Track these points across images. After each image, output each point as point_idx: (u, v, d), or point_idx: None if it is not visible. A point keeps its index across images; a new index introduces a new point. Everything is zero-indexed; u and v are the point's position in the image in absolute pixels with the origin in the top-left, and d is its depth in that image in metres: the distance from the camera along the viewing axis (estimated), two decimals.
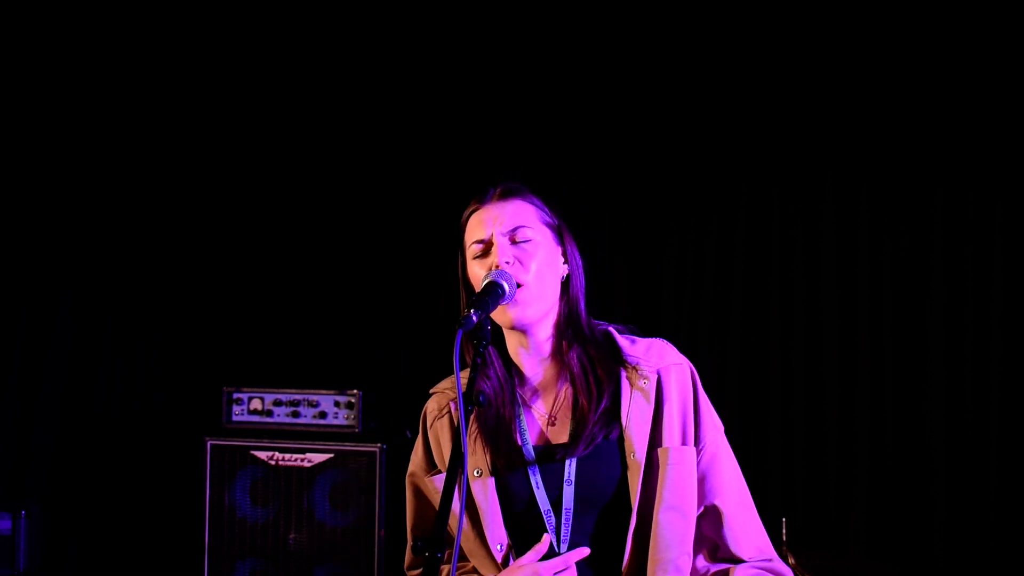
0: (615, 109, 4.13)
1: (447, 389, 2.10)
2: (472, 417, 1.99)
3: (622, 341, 2.03)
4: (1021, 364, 3.61)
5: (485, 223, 2.00)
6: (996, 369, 3.63)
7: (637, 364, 1.99)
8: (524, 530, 1.94)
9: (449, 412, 2.06)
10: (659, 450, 1.93)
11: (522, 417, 2.01)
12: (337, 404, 3.85)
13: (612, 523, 1.92)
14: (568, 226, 2.08)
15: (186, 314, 4.56)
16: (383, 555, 3.70)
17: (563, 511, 1.92)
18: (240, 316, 4.54)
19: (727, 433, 2.04)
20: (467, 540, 1.97)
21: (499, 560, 1.93)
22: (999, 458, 3.61)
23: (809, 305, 3.86)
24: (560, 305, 2.02)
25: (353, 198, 4.47)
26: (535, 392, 2.04)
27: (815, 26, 3.88)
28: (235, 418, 3.94)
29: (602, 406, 1.95)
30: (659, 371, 1.98)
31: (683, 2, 4.06)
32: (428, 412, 2.10)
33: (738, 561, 1.96)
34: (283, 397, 3.91)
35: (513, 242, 1.98)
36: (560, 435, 1.98)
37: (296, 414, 3.89)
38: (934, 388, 3.69)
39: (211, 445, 3.89)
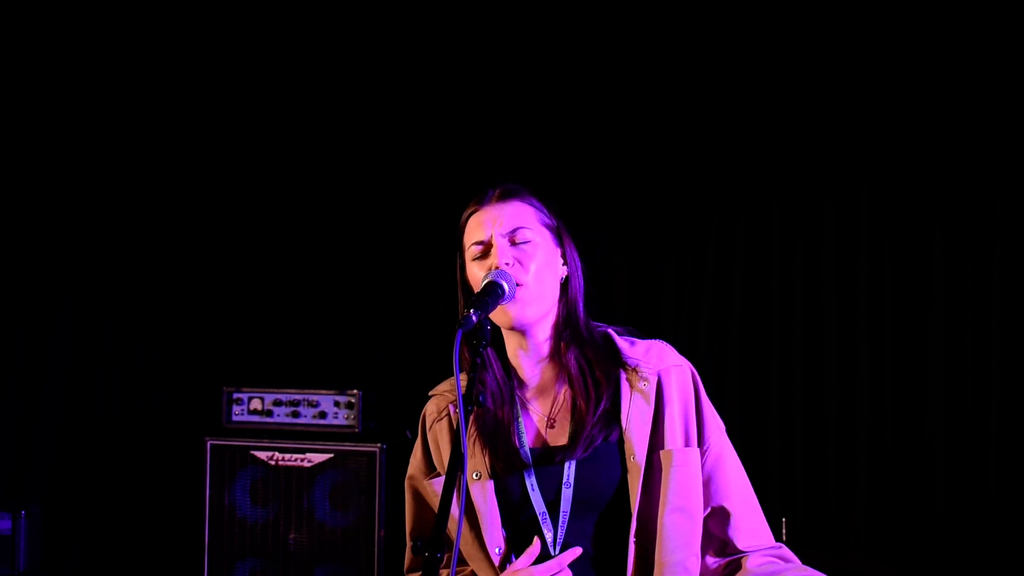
0: (615, 109, 4.13)
1: (446, 392, 2.09)
2: (471, 419, 1.99)
3: (621, 343, 2.03)
4: (1021, 364, 3.61)
5: (484, 225, 1.99)
6: (996, 369, 3.63)
7: (637, 366, 1.98)
8: (521, 534, 1.94)
9: (448, 414, 2.05)
10: (662, 452, 1.93)
11: (520, 419, 2.01)
12: (337, 404, 3.85)
13: (612, 526, 1.92)
14: (568, 226, 2.08)
15: (186, 314, 4.56)
16: (383, 555, 3.70)
17: (560, 514, 1.92)
18: (240, 316, 4.54)
19: (727, 433, 2.04)
20: (465, 543, 1.96)
21: (497, 564, 1.93)
22: (999, 458, 3.61)
23: (809, 305, 3.86)
24: (559, 306, 2.02)
25: (353, 198, 4.47)
26: (534, 394, 2.03)
27: (815, 26, 3.88)
28: (235, 418, 3.94)
29: (600, 408, 1.95)
30: (659, 373, 1.98)
31: (683, 2, 4.05)
32: (427, 415, 2.10)
33: (745, 554, 1.97)
34: (283, 397, 3.91)
35: (512, 243, 1.98)
36: (559, 437, 1.98)
37: (296, 414, 3.89)
38: (934, 388, 3.69)
39: (211, 445, 3.89)
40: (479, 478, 1.96)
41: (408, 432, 3.86)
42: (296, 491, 3.81)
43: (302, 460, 3.80)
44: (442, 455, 2.03)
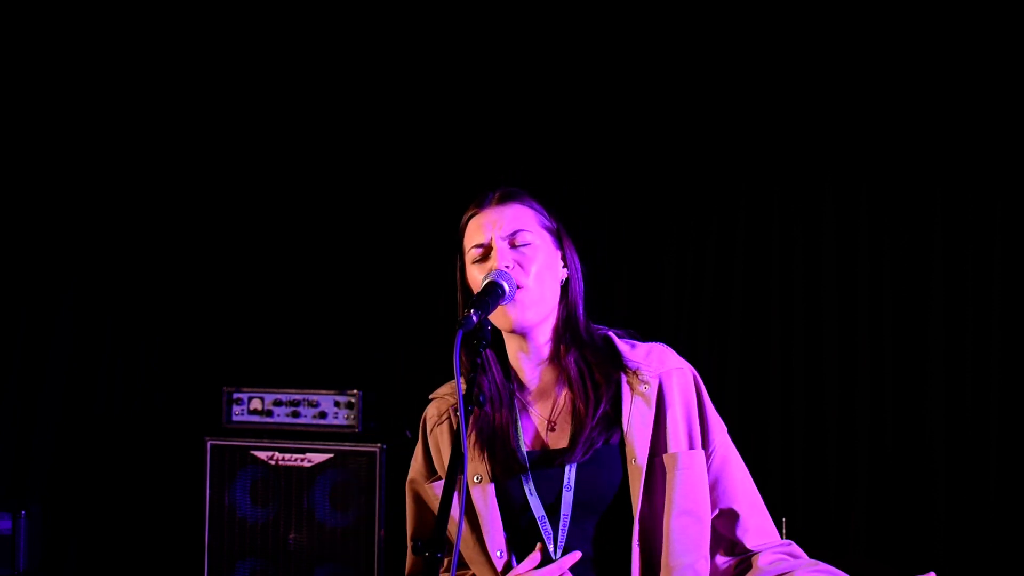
0: (615, 109, 4.13)
1: (447, 395, 2.09)
2: (471, 422, 1.99)
3: (622, 346, 2.03)
4: (1021, 364, 3.61)
5: (484, 227, 1.99)
6: (996, 369, 3.63)
7: (638, 369, 1.98)
8: (522, 536, 1.94)
9: (449, 418, 2.05)
10: (666, 456, 1.93)
11: (518, 423, 2.01)
12: (337, 404, 3.85)
13: (614, 529, 1.92)
14: (568, 226, 2.08)
15: (186, 314, 4.56)
16: (383, 555, 3.70)
17: (560, 517, 1.91)
18: (240, 316, 4.54)
19: (727, 433, 2.05)
20: (467, 547, 1.96)
21: (498, 567, 1.93)
22: (999, 458, 3.61)
23: (809, 305, 3.86)
24: (559, 309, 2.02)
25: (353, 199, 4.47)
26: (535, 397, 2.03)
27: (815, 26, 3.88)
28: (235, 418, 3.94)
29: (600, 411, 1.95)
30: (660, 376, 1.98)
31: (683, 2, 4.05)
32: (428, 418, 2.09)
33: (755, 553, 1.98)
34: (283, 397, 3.91)
35: (512, 246, 1.98)
36: (560, 440, 1.98)
37: (296, 414, 3.89)
38: (934, 388, 3.69)
39: (211, 445, 3.89)
40: (480, 481, 1.96)
41: (408, 432, 3.86)
42: (296, 491, 3.81)
43: (302, 460, 3.80)
44: (443, 458, 2.03)
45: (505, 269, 1.93)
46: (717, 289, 3.98)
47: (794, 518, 3.60)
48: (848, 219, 3.83)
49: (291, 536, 3.81)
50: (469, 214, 2.04)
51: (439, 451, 2.05)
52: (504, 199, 2.02)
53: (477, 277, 1.97)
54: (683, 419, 1.97)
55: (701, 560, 1.91)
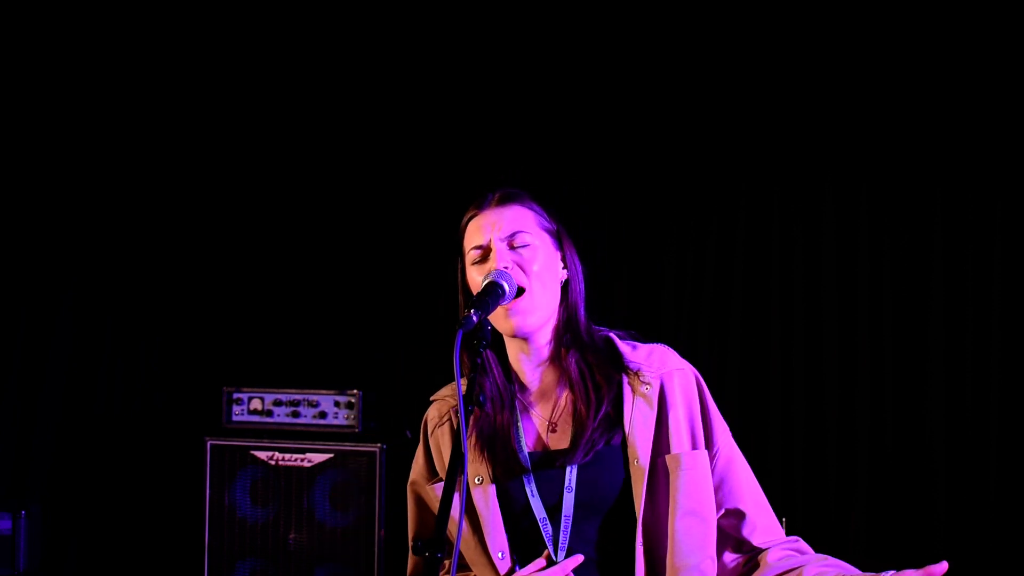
0: (615, 110, 4.13)
1: (448, 396, 2.09)
2: (471, 423, 1.99)
3: (623, 347, 2.03)
4: (1021, 364, 3.61)
5: (483, 229, 1.99)
6: (996, 369, 3.62)
7: (639, 370, 1.99)
8: (523, 538, 1.94)
9: (450, 419, 2.05)
10: (668, 456, 1.93)
11: (519, 424, 2.01)
12: (337, 404, 3.85)
13: (616, 530, 1.92)
14: (568, 227, 2.08)
15: (186, 314, 4.56)
16: (383, 555, 3.70)
17: (562, 518, 1.91)
18: (240, 316, 4.54)
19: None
20: (468, 548, 1.96)
21: (500, 569, 1.93)
22: (999, 458, 3.60)
23: (809, 305, 3.86)
24: (560, 310, 2.02)
25: (353, 199, 4.47)
26: (536, 398, 2.03)
27: (815, 26, 3.87)
28: (235, 418, 3.94)
29: (602, 412, 1.95)
30: (662, 377, 1.98)
31: (683, 2, 4.05)
32: (429, 420, 2.09)
33: (763, 550, 1.99)
34: (283, 397, 3.91)
35: (511, 247, 1.98)
36: (561, 441, 1.98)
37: (296, 414, 3.89)
38: (934, 388, 3.69)
39: (211, 445, 3.89)
40: (481, 482, 1.96)
41: (408, 432, 3.86)
42: (296, 491, 3.81)
43: (302, 460, 3.80)
44: (445, 460, 2.02)
45: (504, 270, 1.93)
46: (717, 289, 3.98)
47: (794, 518, 3.60)
48: (848, 219, 3.83)
49: (291, 536, 3.81)
50: (469, 216, 2.04)
51: (440, 453, 2.04)
52: (504, 200, 2.02)
53: (477, 278, 1.97)
54: (685, 420, 1.97)
55: (707, 560, 1.91)
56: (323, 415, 3.86)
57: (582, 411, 1.96)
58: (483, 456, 1.97)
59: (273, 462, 3.83)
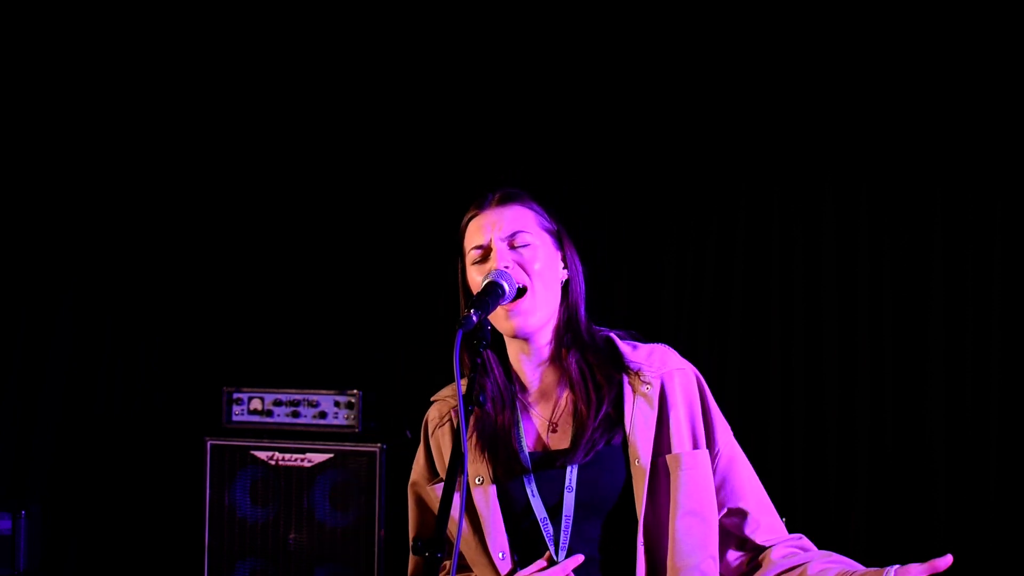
0: (615, 110, 4.13)
1: (448, 397, 2.09)
2: (472, 423, 1.98)
3: (623, 347, 2.03)
4: (1021, 364, 3.61)
5: (484, 229, 1.99)
6: (996, 369, 3.62)
7: (639, 370, 1.99)
8: (523, 538, 1.94)
9: (451, 420, 2.05)
10: (668, 456, 1.93)
11: (520, 424, 2.01)
12: (337, 404, 3.85)
13: (617, 530, 1.92)
14: (568, 227, 2.08)
15: (186, 314, 4.56)
16: (383, 555, 3.69)
17: (563, 518, 1.91)
18: (240, 316, 4.54)
19: None
20: (469, 548, 1.96)
21: (500, 569, 1.92)
22: (999, 458, 3.60)
23: (809, 305, 3.86)
24: (560, 310, 2.02)
25: (353, 199, 4.47)
26: (536, 398, 2.03)
27: (815, 26, 3.87)
28: (235, 418, 3.94)
29: (602, 412, 1.95)
30: (662, 377, 1.98)
31: (683, 2, 4.05)
32: (429, 420, 2.09)
33: (767, 548, 1.99)
34: (283, 397, 3.91)
35: (512, 247, 1.98)
36: (562, 441, 1.98)
37: (296, 414, 3.89)
38: (934, 388, 3.69)
39: (211, 445, 3.89)
40: (482, 483, 1.96)
41: (408, 432, 3.86)
42: (296, 491, 3.81)
43: (302, 460, 3.80)
44: (445, 461, 2.02)
45: (504, 269, 1.93)
46: (717, 289, 3.98)
47: (794, 518, 3.59)
48: (848, 219, 3.83)
49: (291, 536, 3.81)
50: (469, 216, 2.04)
51: (441, 453, 2.04)
52: (504, 200, 2.02)
53: (477, 278, 1.97)
54: (686, 419, 1.97)
55: (707, 560, 1.91)
56: (323, 415, 3.86)
57: (583, 411, 1.96)
58: (483, 456, 1.97)
59: (273, 462, 3.83)
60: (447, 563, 1.97)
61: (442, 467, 2.04)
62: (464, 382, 1.90)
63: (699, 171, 4.03)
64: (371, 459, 3.73)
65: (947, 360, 3.69)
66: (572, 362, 1.99)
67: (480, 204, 2.04)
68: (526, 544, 1.94)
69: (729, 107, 3.99)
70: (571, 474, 1.92)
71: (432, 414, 2.09)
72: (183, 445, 4.21)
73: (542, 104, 4.21)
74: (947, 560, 1.77)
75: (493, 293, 1.87)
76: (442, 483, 2.00)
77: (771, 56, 3.93)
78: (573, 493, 1.91)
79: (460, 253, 2.05)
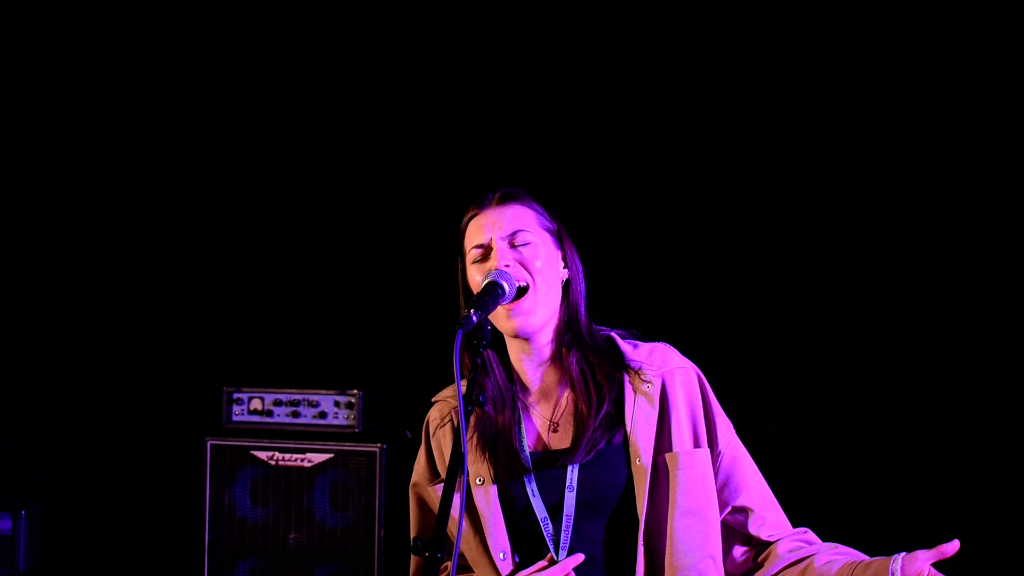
0: (615, 110, 4.13)
1: (449, 397, 2.09)
2: (472, 424, 1.98)
3: (624, 346, 2.03)
4: (1021, 364, 3.61)
5: (484, 228, 2.00)
6: (996, 369, 3.62)
7: (640, 369, 1.99)
8: (524, 538, 1.94)
9: (452, 420, 2.05)
10: (667, 455, 1.93)
11: (521, 424, 2.00)
12: (337, 404, 3.85)
13: (619, 529, 1.92)
14: (568, 227, 2.08)
15: (186, 314, 4.56)
16: (383, 555, 3.70)
17: (563, 518, 1.91)
18: (240, 316, 4.54)
19: None
20: (470, 548, 1.96)
21: (501, 569, 1.92)
22: (999, 458, 3.60)
23: (809, 305, 3.86)
24: (560, 310, 2.02)
25: (353, 199, 4.47)
26: (537, 398, 2.03)
27: (815, 27, 3.87)
28: (235, 418, 3.94)
29: (603, 411, 1.94)
30: (663, 375, 1.98)
31: (682, 3, 4.05)
32: (430, 421, 2.09)
33: (772, 543, 2.00)
34: (283, 397, 3.91)
35: (512, 246, 1.98)
36: (562, 441, 1.98)
37: (296, 414, 3.89)
38: (934, 388, 3.69)
39: (211, 445, 3.89)
40: (482, 483, 1.96)
41: (408, 432, 3.86)
42: (296, 491, 3.81)
43: (302, 460, 3.80)
44: (446, 461, 2.01)
45: (505, 268, 1.93)
46: (717, 289, 3.98)
47: (794, 517, 3.60)
48: (848, 219, 3.83)
49: (291, 536, 3.81)
50: (469, 215, 2.04)
51: (442, 454, 2.04)
52: (504, 200, 2.02)
53: (477, 278, 1.97)
54: (687, 418, 1.97)
55: (705, 560, 1.90)
56: (323, 415, 3.86)
57: (583, 410, 1.96)
58: (484, 456, 1.97)
59: (273, 462, 3.83)
60: (448, 563, 1.96)
61: (443, 468, 2.04)
62: (464, 382, 1.90)
63: (699, 170, 4.03)
64: (371, 459, 3.73)
65: (947, 359, 3.68)
66: (573, 362, 1.99)
67: (480, 203, 2.04)
68: (527, 544, 1.93)
69: (729, 107, 3.99)
70: (572, 473, 1.92)
71: (433, 415, 2.09)
72: (183, 445, 4.21)
73: (542, 105, 4.21)
74: (954, 545, 1.78)
75: (493, 293, 1.87)
76: (443, 483, 2.01)
77: (771, 56, 3.93)
78: (574, 493, 1.91)
79: (460, 253, 2.05)
